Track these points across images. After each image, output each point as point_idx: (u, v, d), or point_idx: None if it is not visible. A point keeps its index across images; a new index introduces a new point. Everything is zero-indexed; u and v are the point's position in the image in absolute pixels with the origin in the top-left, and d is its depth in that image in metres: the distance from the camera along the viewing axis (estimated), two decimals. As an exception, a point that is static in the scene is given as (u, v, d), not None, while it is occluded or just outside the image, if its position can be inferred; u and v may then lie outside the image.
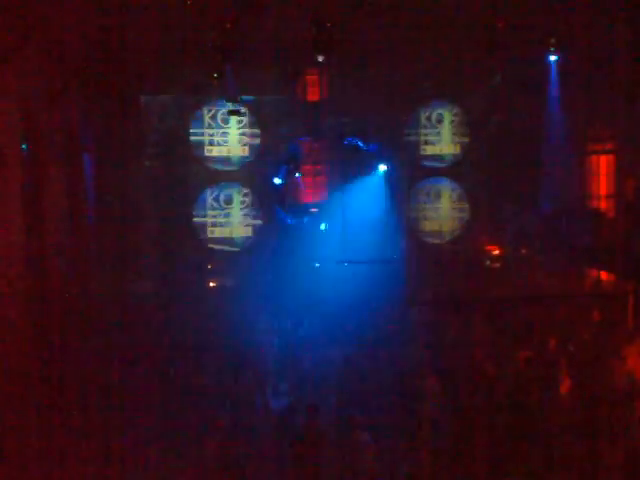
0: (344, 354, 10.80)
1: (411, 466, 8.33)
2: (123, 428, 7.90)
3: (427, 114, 16.73)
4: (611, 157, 14.28)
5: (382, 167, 16.82)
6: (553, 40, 12.84)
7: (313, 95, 16.17)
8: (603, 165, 14.39)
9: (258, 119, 16.31)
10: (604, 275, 13.52)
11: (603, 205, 14.15)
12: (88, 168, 13.74)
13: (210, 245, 16.33)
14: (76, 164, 12.85)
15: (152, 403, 8.68)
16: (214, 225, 16.42)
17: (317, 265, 16.31)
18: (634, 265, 11.64)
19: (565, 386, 9.21)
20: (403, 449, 8.58)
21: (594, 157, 14.61)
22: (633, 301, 11.59)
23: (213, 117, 16.25)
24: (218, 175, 16.43)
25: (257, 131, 16.36)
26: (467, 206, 16.73)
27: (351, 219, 16.27)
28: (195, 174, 16.34)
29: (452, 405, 9.23)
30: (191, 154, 16.20)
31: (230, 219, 16.48)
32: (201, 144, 16.27)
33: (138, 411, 8.42)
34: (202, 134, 16.27)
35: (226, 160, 16.40)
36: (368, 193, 16.64)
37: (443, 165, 16.79)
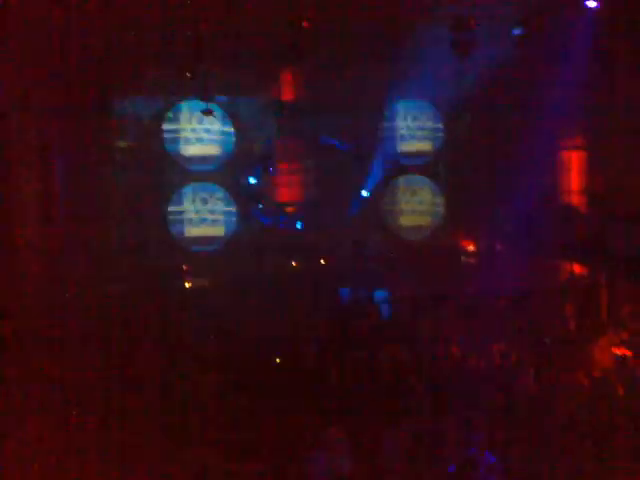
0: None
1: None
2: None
3: (402, 112, 16.83)
4: (582, 153, 14.51)
5: (358, 165, 16.88)
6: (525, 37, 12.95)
7: (288, 94, 16.18)
8: (575, 161, 14.62)
9: (233, 118, 16.28)
10: (577, 269, 13.74)
11: (576, 200, 14.38)
12: (60, 168, 13.58)
13: (186, 245, 16.24)
14: (48, 165, 12.70)
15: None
16: (189, 225, 16.33)
17: (294, 264, 16.30)
18: (607, 259, 11.83)
19: (542, 378, 9.33)
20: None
21: (566, 153, 14.84)
22: (606, 295, 11.78)
23: (187, 117, 16.17)
24: (193, 175, 16.36)
25: (232, 130, 16.32)
26: (443, 203, 16.86)
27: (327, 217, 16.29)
28: (169, 174, 16.26)
29: (432, 401, 9.27)
30: (165, 154, 16.11)
31: (205, 218, 16.40)
32: (175, 144, 16.18)
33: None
34: (176, 134, 16.18)
35: (201, 160, 16.33)
36: (344, 191, 16.67)
37: (419, 163, 16.92)
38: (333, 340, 11.47)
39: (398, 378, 9.49)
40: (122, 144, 15.86)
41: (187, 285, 15.87)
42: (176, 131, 16.14)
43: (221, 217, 16.44)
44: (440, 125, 16.73)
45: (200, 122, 16.14)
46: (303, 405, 8.70)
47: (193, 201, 16.33)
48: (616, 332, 10.04)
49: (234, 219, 16.42)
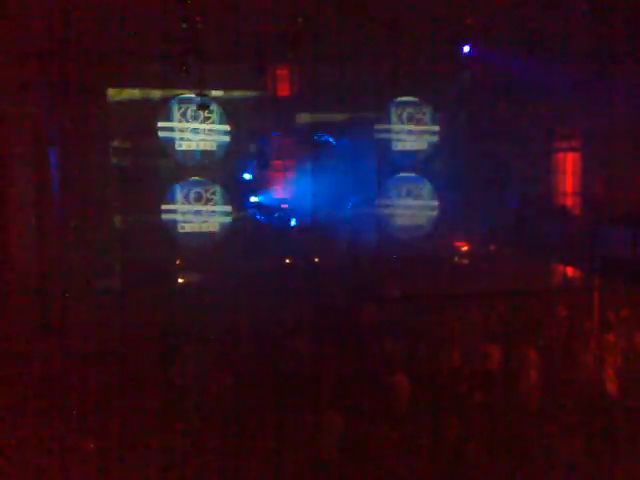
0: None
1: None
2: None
3: (397, 110, 16.79)
4: (577, 155, 14.52)
5: (352, 163, 16.84)
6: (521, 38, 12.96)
7: (283, 90, 16.12)
8: (570, 162, 14.63)
9: (228, 114, 16.21)
10: (571, 271, 13.74)
11: (570, 202, 14.39)
12: (54, 163, 13.50)
13: (180, 241, 16.18)
14: (41, 159, 12.63)
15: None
16: (183, 221, 16.27)
17: (287, 261, 16.26)
18: (600, 261, 11.83)
19: (533, 380, 9.34)
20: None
21: (561, 154, 14.86)
22: (599, 297, 11.77)
23: (182, 112, 16.09)
24: (187, 170, 16.29)
25: (227, 126, 16.25)
26: (437, 202, 16.85)
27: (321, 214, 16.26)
28: (164, 169, 16.19)
29: (421, 401, 9.29)
30: (160, 149, 16.03)
31: (199, 214, 16.34)
32: (170, 139, 16.11)
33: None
34: (171, 129, 16.11)
35: (195, 155, 16.26)
36: (338, 188, 16.63)
37: (413, 161, 16.89)
38: (325, 336, 11.49)
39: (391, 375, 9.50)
40: (117, 139, 15.78)
41: (180, 280, 15.83)
42: (171, 126, 16.06)
43: (215, 213, 16.38)
44: (435, 124, 16.70)
45: (195, 117, 16.07)
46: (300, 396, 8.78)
47: (187, 197, 16.26)
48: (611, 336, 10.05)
49: (228, 215, 16.37)
